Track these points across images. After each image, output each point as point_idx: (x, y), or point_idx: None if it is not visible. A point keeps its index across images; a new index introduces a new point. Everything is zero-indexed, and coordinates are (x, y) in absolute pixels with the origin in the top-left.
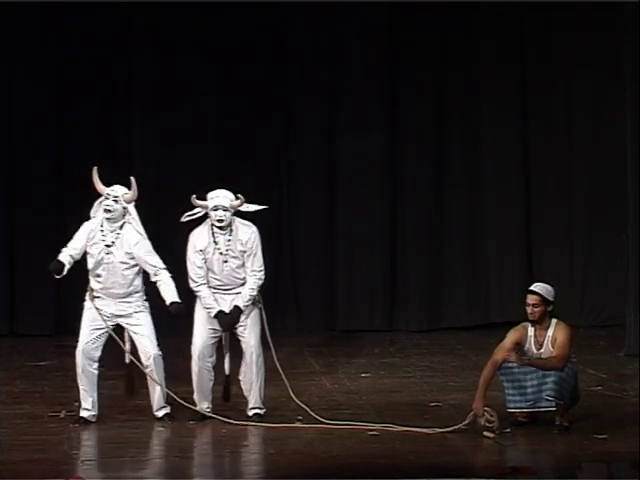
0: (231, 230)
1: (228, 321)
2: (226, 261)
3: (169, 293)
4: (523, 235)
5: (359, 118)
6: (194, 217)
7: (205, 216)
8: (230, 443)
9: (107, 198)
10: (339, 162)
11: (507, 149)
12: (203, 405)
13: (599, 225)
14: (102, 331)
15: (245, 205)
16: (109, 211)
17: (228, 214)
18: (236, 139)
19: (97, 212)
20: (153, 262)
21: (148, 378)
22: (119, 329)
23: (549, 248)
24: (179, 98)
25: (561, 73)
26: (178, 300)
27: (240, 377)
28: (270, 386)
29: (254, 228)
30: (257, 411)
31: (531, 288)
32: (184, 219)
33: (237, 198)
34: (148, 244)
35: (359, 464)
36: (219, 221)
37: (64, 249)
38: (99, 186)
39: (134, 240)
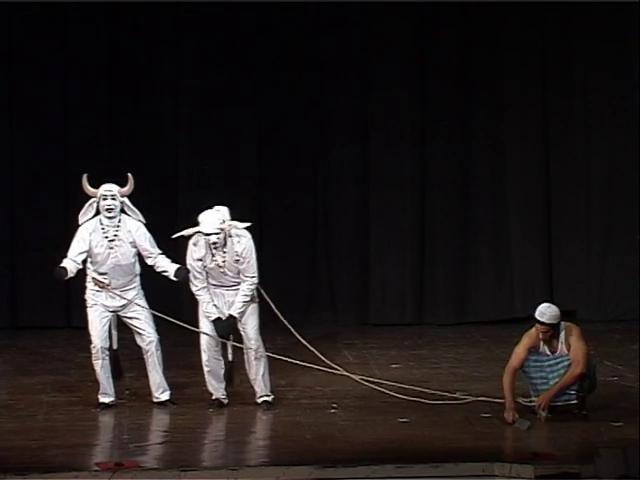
0: (225, 243)
1: (224, 328)
2: (224, 272)
3: (170, 265)
4: (544, 234)
5: (391, 125)
6: (185, 235)
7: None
8: (263, 428)
9: (105, 198)
10: (372, 166)
11: (529, 154)
12: (218, 393)
13: (616, 224)
14: (107, 321)
15: (234, 223)
16: (111, 209)
17: (214, 237)
18: (274, 144)
19: (87, 214)
20: (150, 248)
21: (148, 363)
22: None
23: (568, 247)
24: (220, 105)
25: (581, 80)
26: (179, 266)
27: (246, 367)
28: (306, 375)
29: (248, 237)
30: (265, 398)
31: (539, 318)
32: (175, 236)
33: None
34: (146, 230)
35: (390, 449)
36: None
37: (66, 258)
38: (90, 190)
39: (134, 227)
